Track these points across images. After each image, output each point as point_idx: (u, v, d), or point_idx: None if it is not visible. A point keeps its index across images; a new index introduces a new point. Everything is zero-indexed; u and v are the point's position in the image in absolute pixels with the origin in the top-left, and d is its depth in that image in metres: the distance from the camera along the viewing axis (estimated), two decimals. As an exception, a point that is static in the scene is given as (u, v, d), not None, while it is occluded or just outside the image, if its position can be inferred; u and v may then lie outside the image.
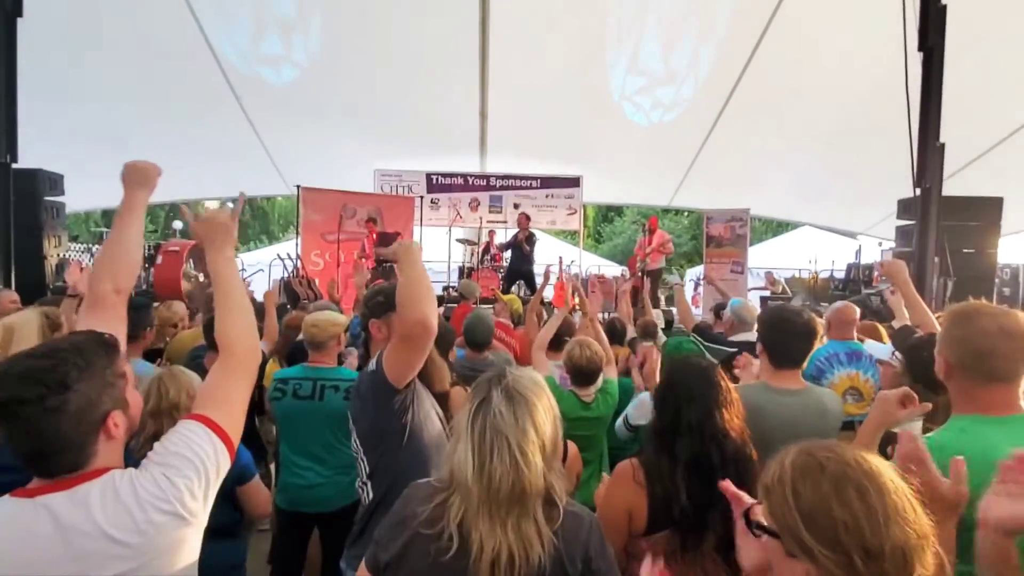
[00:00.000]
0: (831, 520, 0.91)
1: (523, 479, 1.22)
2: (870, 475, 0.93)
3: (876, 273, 8.02)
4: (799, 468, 0.96)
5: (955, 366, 1.51)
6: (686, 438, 1.75)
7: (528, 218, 10.33)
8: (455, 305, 6.69)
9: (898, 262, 2.96)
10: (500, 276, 10.05)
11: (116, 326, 1.69)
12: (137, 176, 1.78)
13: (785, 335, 2.29)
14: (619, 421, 2.97)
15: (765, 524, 1.01)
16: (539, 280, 10.24)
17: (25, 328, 1.58)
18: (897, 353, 2.27)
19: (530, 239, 10.01)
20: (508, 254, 10.30)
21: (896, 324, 3.26)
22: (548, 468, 1.26)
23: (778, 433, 1.95)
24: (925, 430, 1.88)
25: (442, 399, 2.06)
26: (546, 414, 1.29)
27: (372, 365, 1.83)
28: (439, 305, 6.94)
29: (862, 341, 3.40)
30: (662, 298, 9.81)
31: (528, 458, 1.23)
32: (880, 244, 10.63)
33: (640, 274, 9.69)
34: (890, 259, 3.53)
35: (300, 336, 3.19)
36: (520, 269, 10.01)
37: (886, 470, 0.95)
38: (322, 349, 2.97)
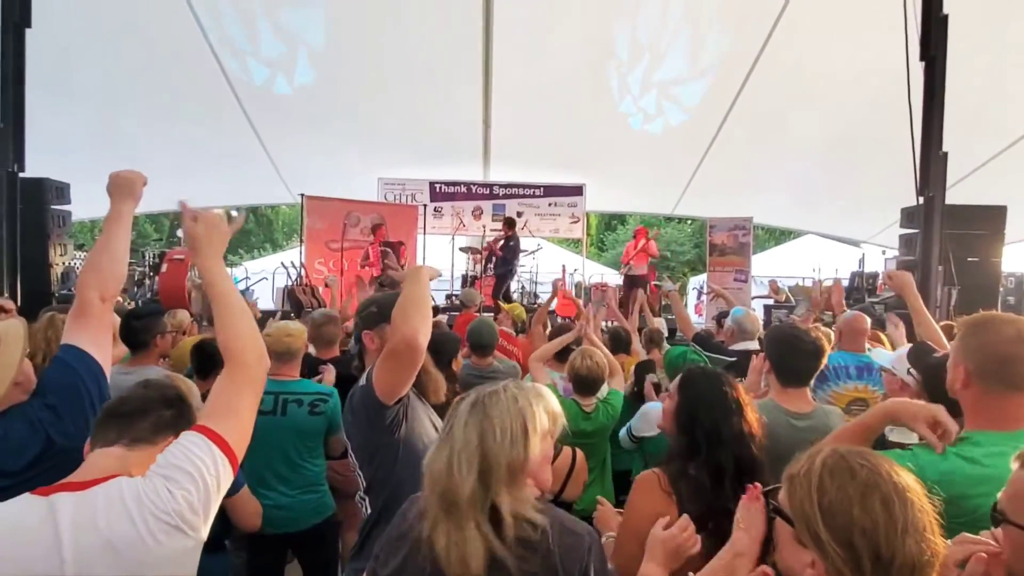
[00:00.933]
0: (850, 521, 0.95)
1: (452, 486, 1.23)
2: (899, 488, 0.97)
3: (880, 282, 7.99)
4: (830, 467, 1.00)
5: (975, 374, 1.46)
6: (729, 448, 1.68)
7: (508, 225, 9.97)
8: (457, 313, 6.68)
9: (905, 274, 2.92)
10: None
11: (101, 334, 1.70)
12: (123, 186, 1.78)
13: (793, 354, 2.27)
14: (623, 432, 2.95)
15: (782, 509, 1.04)
16: (511, 283, 10.21)
17: (11, 334, 1.58)
18: (913, 371, 2.24)
19: (507, 243, 9.69)
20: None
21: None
22: (486, 485, 1.23)
23: (786, 456, 1.94)
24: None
25: (441, 410, 2.04)
26: (503, 434, 1.26)
27: (363, 380, 1.81)
28: (442, 313, 6.94)
29: (871, 349, 3.38)
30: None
31: (456, 464, 1.24)
32: (884, 252, 10.59)
33: (630, 278, 9.73)
34: (897, 270, 3.51)
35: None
36: (496, 274, 9.83)
37: (914, 486, 0.98)
38: (285, 360, 2.84)
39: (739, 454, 1.68)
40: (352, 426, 1.86)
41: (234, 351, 1.41)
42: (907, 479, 0.99)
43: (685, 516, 1.41)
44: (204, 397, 2.20)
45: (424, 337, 1.67)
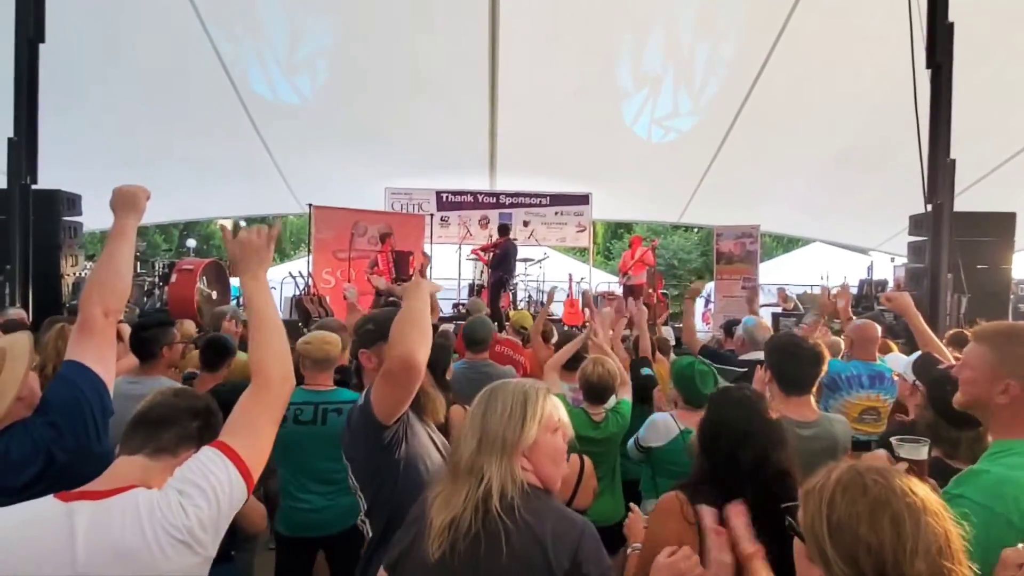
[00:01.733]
0: (856, 538, 0.93)
1: (458, 454, 1.41)
2: (912, 508, 0.93)
3: (889, 290, 7.93)
4: (843, 483, 0.98)
5: None
6: (748, 479, 1.58)
7: (499, 232, 9.79)
8: (464, 323, 6.67)
9: (904, 295, 2.92)
10: (510, 293, 10.02)
11: (104, 349, 1.71)
12: (126, 201, 1.79)
13: (793, 362, 2.28)
14: (630, 442, 2.94)
15: (795, 525, 1.04)
16: (516, 292, 10.12)
17: (16, 348, 1.60)
18: (919, 382, 2.23)
19: (495, 251, 9.49)
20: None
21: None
22: (481, 452, 1.38)
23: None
24: (938, 462, 1.83)
25: (441, 429, 2.00)
26: (503, 409, 1.41)
27: (361, 399, 1.79)
28: (449, 322, 6.94)
29: (883, 358, 3.36)
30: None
31: (463, 438, 1.42)
32: (892, 260, 10.54)
33: (628, 288, 9.69)
34: (895, 292, 3.51)
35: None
36: (489, 283, 9.61)
37: (933, 507, 0.94)
38: (323, 368, 2.85)
39: (760, 486, 1.56)
40: (351, 447, 1.84)
41: (262, 369, 1.43)
42: (926, 499, 0.94)
43: (686, 547, 1.40)
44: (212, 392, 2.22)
45: (423, 357, 1.64)
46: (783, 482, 1.57)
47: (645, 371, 3.62)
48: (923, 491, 0.96)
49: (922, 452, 1.56)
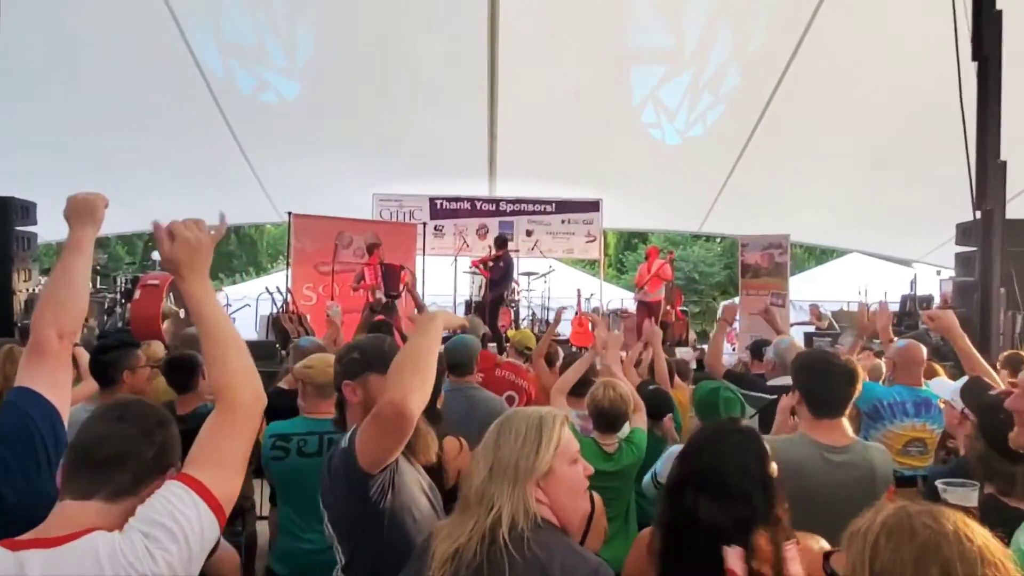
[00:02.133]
0: None
1: (469, 483, 1.46)
2: (966, 556, 0.92)
3: (936, 305, 7.91)
4: (889, 526, 0.98)
5: None
6: (662, 501, 1.64)
7: (497, 244, 9.86)
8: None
9: (947, 313, 2.93)
10: (512, 311, 10.00)
11: (58, 374, 1.69)
12: (82, 210, 1.76)
13: (824, 380, 2.27)
14: (647, 477, 2.92)
15: (838, 572, 1.05)
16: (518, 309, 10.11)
17: None
18: (967, 410, 2.22)
19: (496, 264, 9.53)
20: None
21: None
22: (490, 480, 1.42)
23: (822, 496, 1.90)
24: (992, 499, 1.81)
25: (432, 471, 1.98)
26: (516, 435, 1.46)
27: (344, 442, 1.75)
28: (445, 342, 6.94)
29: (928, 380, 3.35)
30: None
31: (474, 466, 1.48)
32: (938, 273, 10.52)
33: (644, 304, 9.68)
34: (938, 310, 3.53)
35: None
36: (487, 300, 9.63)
37: (992, 556, 0.92)
38: (327, 395, 2.77)
39: (705, 540, 1.52)
40: (330, 493, 1.79)
41: (225, 390, 1.38)
42: (984, 546, 0.93)
43: None
44: (183, 419, 2.20)
45: (418, 403, 1.59)
46: (691, 529, 1.54)
47: (652, 387, 3.68)
48: (982, 537, 0.94)
49: (972, 498, 1.54)
